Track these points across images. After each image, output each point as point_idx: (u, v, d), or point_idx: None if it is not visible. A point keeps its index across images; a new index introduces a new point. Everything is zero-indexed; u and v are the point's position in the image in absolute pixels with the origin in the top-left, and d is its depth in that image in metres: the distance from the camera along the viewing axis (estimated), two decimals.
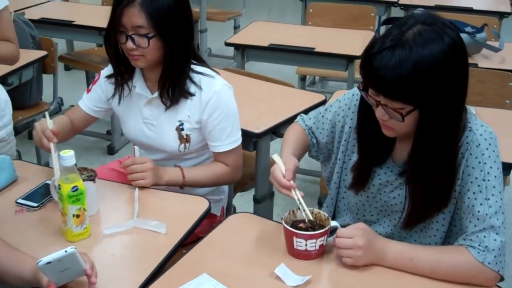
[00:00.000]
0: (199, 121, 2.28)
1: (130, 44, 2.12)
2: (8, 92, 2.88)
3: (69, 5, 5.61)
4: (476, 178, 1.73)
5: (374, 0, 5.37)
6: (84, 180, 1.93)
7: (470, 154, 1.75)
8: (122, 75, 2.31)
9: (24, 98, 3.91)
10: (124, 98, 2.37)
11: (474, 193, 1.73)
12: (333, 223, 1.79)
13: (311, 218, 1.83)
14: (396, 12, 5.39)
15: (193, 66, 2.27)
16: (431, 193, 1.77)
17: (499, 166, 1.75)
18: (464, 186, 1.77)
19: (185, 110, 2.28)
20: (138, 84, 2.32)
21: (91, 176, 2.02)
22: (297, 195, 1.82)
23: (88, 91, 2.45)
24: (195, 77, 2.26)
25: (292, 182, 1.83)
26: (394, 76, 1.59)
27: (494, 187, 1.73)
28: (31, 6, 4.91)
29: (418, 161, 1.76)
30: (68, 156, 1.77)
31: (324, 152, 2.13)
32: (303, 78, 4.96)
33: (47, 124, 2.14)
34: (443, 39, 1.62)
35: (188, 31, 2.21)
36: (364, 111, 1.85)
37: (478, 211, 1.71)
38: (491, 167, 1.73)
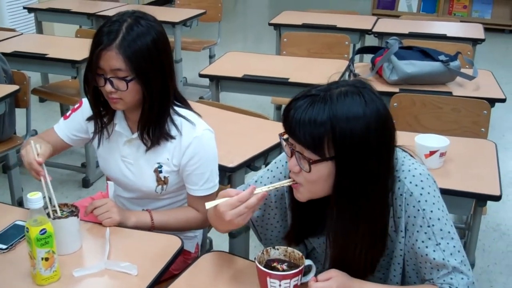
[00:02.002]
0: (178, 164, 2.25)
1: (108, 87, 2.08)
2: None
3: (43, 38, 5.58)
4: (421, 226, 1.71)
5: (348, 28, 5.40)
6: (67, 216, 1.94)
7: (407, 204, 1.72)
8: (102, 119, 2.28)
9: None
10: (103, 139, 2.34)
11: (423, 241, 1.71)
12: (308, 262, 1.77)
13: None
14: (370, 40, 5.41)
15: (175, 108, 2.24)
16: (351, 256, 1.74)
17: (440, 206, 1.73)
18: (410, 237, 1.74)
19: (164, 153, 2.25)
20: (119, 123, 2.29)
21: (73, 212, 1.99)
22: None
23: (66, 117, 2.41)
24: (177, 119, 2.23)
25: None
26: (308, 119, 1.60)
27: (441, 230, 1.70)
28: (4, 40, 4.87)
29: (334, 221, 1.74)
30: (36, 198, 1.74)
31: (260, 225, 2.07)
32: (278, 107, 4.95)
33: (33, 155, 2.10)
34: (368, 105, 1.62)
35: (167, 72, 2.17)
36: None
37: (434, 258, 1.69)
38: (431, 211, 1.71)
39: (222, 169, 2.53)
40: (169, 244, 2.02)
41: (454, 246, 1.70)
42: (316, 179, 1.67)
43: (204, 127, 2.25)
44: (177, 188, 2.34)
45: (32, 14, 6.57)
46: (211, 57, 6.62)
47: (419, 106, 3.37)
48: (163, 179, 2.27)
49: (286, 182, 1.79)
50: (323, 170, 1.65)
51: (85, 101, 2.36)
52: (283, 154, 1.95)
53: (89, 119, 2.32)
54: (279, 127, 3.14)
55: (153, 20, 2.16)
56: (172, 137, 2.22)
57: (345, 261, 1.76)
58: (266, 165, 3.06)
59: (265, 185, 1.93)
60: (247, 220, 1.79)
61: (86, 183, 4.62)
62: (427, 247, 1.70)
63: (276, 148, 2.88)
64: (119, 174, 2.34)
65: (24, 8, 6.64)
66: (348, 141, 1.60)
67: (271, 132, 3.00)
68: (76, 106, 2.40)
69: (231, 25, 10.14)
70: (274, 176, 1.98)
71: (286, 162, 1.93)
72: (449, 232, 1.71)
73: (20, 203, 3.94)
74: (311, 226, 1.90)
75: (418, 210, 1.71)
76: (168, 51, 2.18)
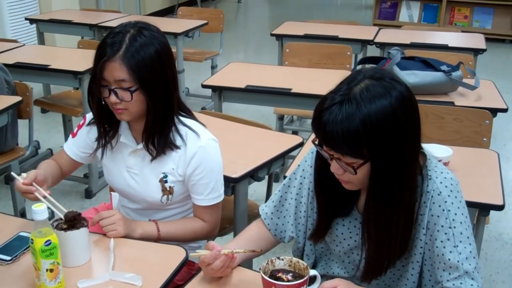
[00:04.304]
0: (183, 174, 2.26)
1: (113, 98, 2.09)
2: None
3: (45, 49, 5.61)
4: (442, 226, 1.74)
5: (349, 39, 5.41)
6: (77, 227, 1.96)
7: (433, 203, 1.75)
8: (106, 131, 2.29)
9: None
10: (107, 149, 2.34)
11: (442, 241, 1.74)
12: (312, 272, 1.77)
13: None
14: (372, 51, 5.43)
15: (180, 118, 2.25)
16: (387, 243, 1.77)
17: (464, 211, 1.76)
18: (431, 235, 1.77)
19: (169, 163, 2.25)
20: (123, 134, 2.29)
21: (83, 224, 1.99)
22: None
23: (74, 135, 2.42)
24: (182, 129, 2.24)
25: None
26: (342, 131, 1.61)
27: (461, 233, 1.73)
28: (6, 51, 4.89)
29: (372, 213, 1.76)
30: (40, 209, 1.74)
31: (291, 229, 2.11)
32: (281, 118, 4.95)
33: (18, 182, 2.12)
34: (391, 93, 1.64)
35: (171, 82, 2.18)
36: (320, 164, 1.86)
37: (449, 259, 1.72)
38: (455, 214, 1.74)
39: (226, 180, 2.52)
40: (174, 255, 2.02)
41: (470, 252, 1.73)
42: (363, 177, 1.71)
43: (209, 137, 2.26)
44: (182, 198, 2.34)
45: (34, 25, 6.59)
46: (213, 67, 6.63)
47: (421, 116, 3.35)
48: (168, 189, 2.28)
49: (249, 250, 1.94)
50: (367, 168, 1.69)
51: (89, 116, 2.37)
52: (311, 147, 2.01)
53: (97, 139, 2.34)
54: (281, 137, 3.18)
55: (156, 31, 2.17)
56: (177, 147, 2.22)
57: (381, 247, 1.79)
58: (270, 175, 3.07)
59: (296, 179, 2.06)
60: (227, 273, 1.90)
61: (88, 194, 4.62)
62: (444, 247, 1.73)
63: (279, 159, 2.89)
64: (124, 185, 2.35)
65: (26, 19, 6.67)
66: (381, 136, 1.62)
67: (274, 142, 3.03)
68: (81, 122, 2.41)
69: (233, 36, 10.17)
70: (303, 170, 2.05)
71: (312, 152, 2.00)
72: (468, 238, 1.74)
73: (22, 214, 3.94)
74: (338, 206, 1.92)
75: (443, 210, 1.74)
76: (171, 62, 2.19)
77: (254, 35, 11.01)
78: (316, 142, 1.76)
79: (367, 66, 4.27)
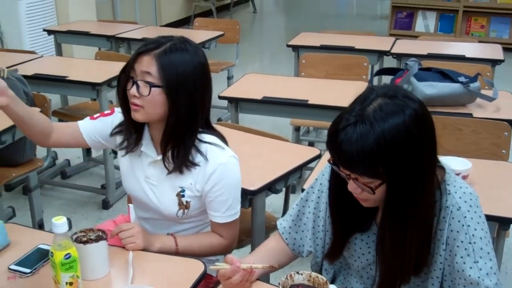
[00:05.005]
0: (201, 190, 2.25)
1: (133, 90, 2.10)
2: (2, 149, 2.84)
3: (63, 60, 5.63)
4: (462, 241, 1.72)
5: (366, 50, 5.40)
6: (96, 240, 1.96)
7: (452, 218, 1.74)
8: (131, 141, 2.28)
9: (17, 155, 3.88)
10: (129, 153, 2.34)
11: (462, 257, 1.72)
12: (332, 287, 1.76)
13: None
14: (389, 62, 5.41)
15: (203, 135, 2.24)
16: (402, 260, 1.76)
17: (484, 227, 1.74)
18: (451, 251, 1.76)
19: (188, 178, 2.25)
20: (145, 143, 2.29)
21: (101, 237, 2.00)
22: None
23: (93, 118, 2.38)
24: (202, 146, 2.23)
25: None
26: (356, 151, 1.61)
27: (481, 248, 1.71)
28: (24, 62, 4.91)
29: (387, 230, 1.76)
30: (61, 223, 1.74)
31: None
32: (297, 129, 4.95)
33: None
34: (404, 111, 1.63)
35: (199, 99, 2.17)
36: (335, 181, 1.86)
37: (470, 275, 1.70)
38: (475, 229, 1.72)
39: (243, 192, 2.51)
40: (192, 268, 2.02)
41: (491, 267, 1.71)
42: (381, 194, 1.71)
43: (229, 154, 2.25)
44: (198, 213, 2.33)
45: (52, 36, 6.63)
46: (229, 78, 6.64)
47: (439, 128, 3.29)
48: (185, 203, 2.27)
49: (268, 266, 1.94)
50: (385, 186, 1.68)
51: (117, 110, 2.36)
52: (325, 167, 2.02)
53: (112, 134, 2.32)
54: (298, 149, 3.18)
55: (199, 49, 2.22)
56: (197, 165, 2.21)
57: (396, 263, 1.78)
58: (287, 187, 3.06)
59: (314, 193, 2.07)
60: (246, 287, 1.90)
61: (106, 205, 4.64)
62: (464, 263, 1.72)
63: (297, 171, 2.89)
64: (142, 195, 2.34)
65: (44, 30, 6.72)
66: (395, 154, 1.62)
67: (291, 154, 3.03)
68: (107, 112, 2.39)
69: (248, 46, 10.18)
70: (321, 184, 2.05)
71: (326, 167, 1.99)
72: (488, 253, 1.72)
73: (40, 225, 3.96)
74: (355, 222, 1.92)
75: (463, 225, 1.73)
76: (205, 81, 2.20)
77: (270, 46, 11.02)
78: (332, 162, 1.76)
79: (384, 77, 4.28)
